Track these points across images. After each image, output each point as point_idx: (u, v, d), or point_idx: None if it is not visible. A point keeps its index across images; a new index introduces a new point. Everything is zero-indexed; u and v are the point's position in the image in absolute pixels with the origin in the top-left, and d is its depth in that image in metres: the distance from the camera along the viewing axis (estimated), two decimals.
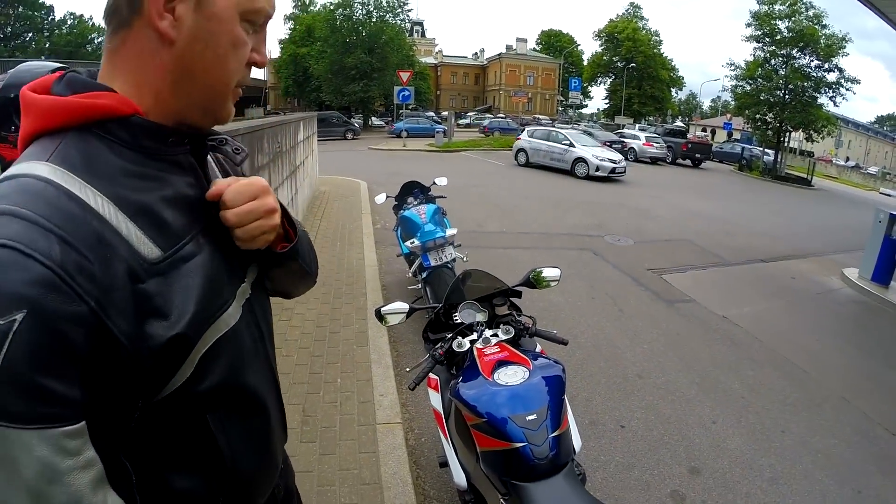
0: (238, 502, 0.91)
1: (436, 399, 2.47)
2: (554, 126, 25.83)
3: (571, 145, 19.33)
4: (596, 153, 18.81)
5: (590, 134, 26.09)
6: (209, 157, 0.96)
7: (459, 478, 2.18)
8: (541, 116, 55.31)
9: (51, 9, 60.85)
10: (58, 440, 0.60)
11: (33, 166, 0.68)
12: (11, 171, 0.69)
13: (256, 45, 0.84)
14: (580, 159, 18.70)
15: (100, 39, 63.72)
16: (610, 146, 24.64)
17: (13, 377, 0.58)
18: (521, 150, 21.41)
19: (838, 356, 5.76)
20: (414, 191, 6.23)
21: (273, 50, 56.94)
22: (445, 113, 43.22)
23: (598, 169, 18.12)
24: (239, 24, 0.79)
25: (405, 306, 2.48)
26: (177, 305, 0.73)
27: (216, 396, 0.82)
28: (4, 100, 1.75)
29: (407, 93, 27.28)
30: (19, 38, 57.66)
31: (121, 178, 0.73)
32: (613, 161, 18.59)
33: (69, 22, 62.89)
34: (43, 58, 47.04)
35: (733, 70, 31.47)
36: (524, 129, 23.84)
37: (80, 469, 0.62)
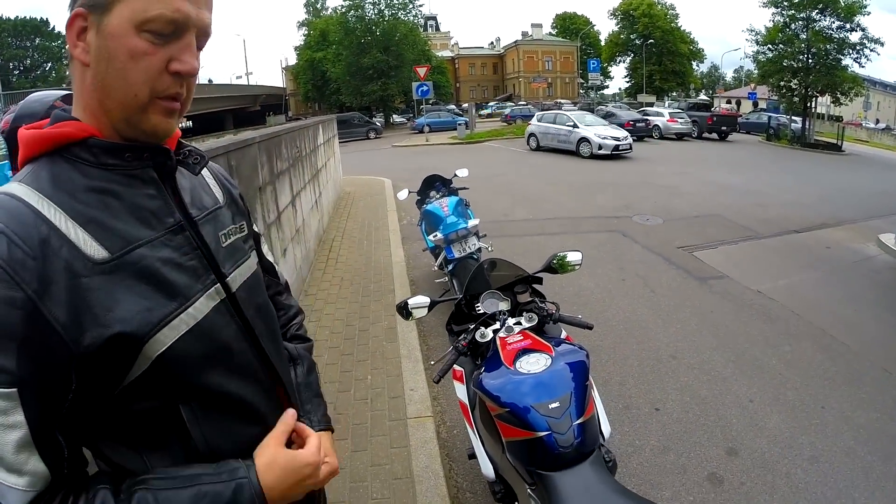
0: None
1: (461, 391, 2.45)
2: (561, 109, 26.29)
3: (575, 126, 19.79)
4: (598, 132, 19.07)
5: (612, 114, 26.04)
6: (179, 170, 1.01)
7: (487, 469, 2.16)
8: (562, 101, 54.70)
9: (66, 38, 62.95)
10: None
11: (10, 186, 0.82)
12: None
13: (176, 53, 0.86)
14: (583, 139, 19.14)
15: None
16: (634, 125, 24.72)
17: None
18: (531, 134, 22.22)
19: (878, 326, 5.54)
20: (436, 184, 6.22)
21: (289, 57, 57.55)
22: (466, 105, 43.19)
23: (600, 147, 18.46)
24: (137, 35, 0.83)
25: (426, 300, 2.47)
26: (121, 304, 0.81)
27: (184, 391, 0.89)
28: (17, 130, 1.78)
29: (425, 88, 27.30)
30: (39, 69, 59.47)
31: (79, 193, 0.83)
32: (616, 139, 18.74)
33: None
34: (64, 86, 48.47)
35: (754, 36, 30.58)
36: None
37: (5, 427, 0.71)
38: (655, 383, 4.24)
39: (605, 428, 2.06)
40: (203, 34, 0.90)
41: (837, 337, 5.13)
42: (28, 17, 60.73)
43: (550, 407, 1.77)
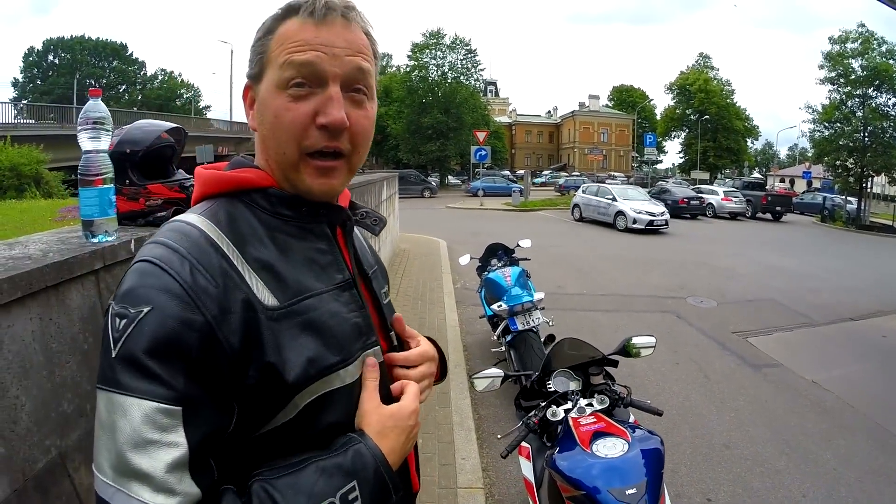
0: None
1: (527, 468, 2.51)
2: (604, 183, 26.98)
3: (614, 199, 20.73)
4: (635, 206, 19.82)
5: (667, 191, 26.20)
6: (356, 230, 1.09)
7: None
8: (616, 173, 55.09)
9: (143, 64, 66.70)
10: (151, 413, 0.71)
11: (189, 216, 0.87)
12: (175, 217, 0.89)
13: (321, 106, 0.88)
14: (620, 212, 19.97)
15: (188, 95, 69.11)
16: (689, 202, 24.91)
17: (129, 355, 0.72)
18: (576, 205, 23.40)
19: None
20: (498, 252, 6.35)
21: None
22: (521, 171, 43.64)
23: (635, 221, 19.19)
24: (281, 95, 0.88)
25: (500, 372, 2.57)
26: (285, 350, 0.82)
27: (320, 445, 0.87)
28: (120, 154, 1.90)
29: (484, 152, 27.81)
30: (113, 90, 63.15)
31: (254, 238, 0.87)
32: (652, 214, 19.43)
33: (160, 77, 68.85)
34: (135, 109, 50.75)
35: (810, 113, 30.63)
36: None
37: (164, 445, 0.71)
38: (707, 472, 4.20)
39: None
40: (353, 81, 0.91)
41: (894, 432, 5.01)
42: (109, 40, 65.17)
43: (627, 493, 1.83)
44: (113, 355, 0.73)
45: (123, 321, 0.74)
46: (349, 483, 0.81)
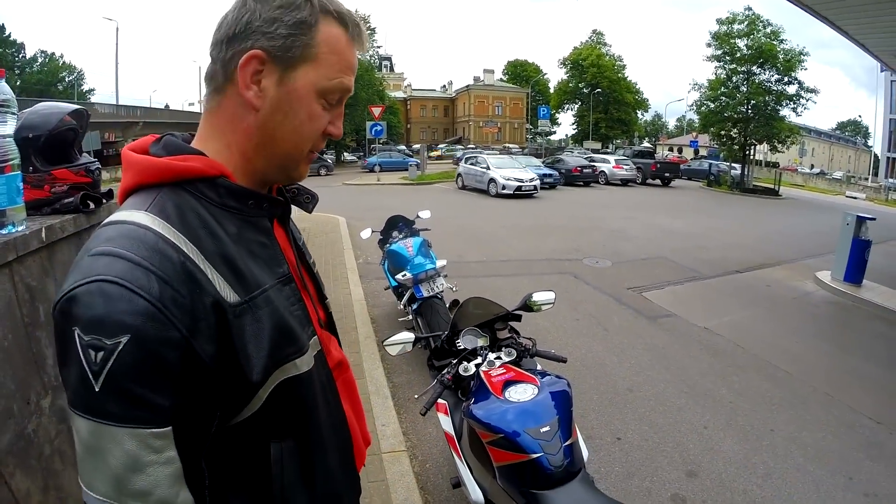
0: None
1: (446, 422, 2.57)
2: (482, 153, 28.62)
3: (488, 168, 22.35)
4: (505, 174, 21.52)
5: (560, 160, 27.43)
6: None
7: (476, 495, 2.27)
8: (511, 145, 56.09)
9: (21, 46, 60.66)
10: (145, 438, 0.71)
11: (134, 214, 0.80)
12: (115, 216, 0.82)
13: (334, 118, 0.96)
14: (492, 179, 21.59)
15: (70, 78, 63.69)
16: (582, 171, 26.20)
17: (114, 386, 0.70)
18: (459, 174, 25.10)
19: (818, 355, 6.02)
20: (399, 224, 6.34)
21: None
22: (417, 146, 43.66)
23: (504, 188, 20.89)
24: (316, 100, 0.92)
25: (410, 336, 2.60)
26: (248, 348, 0.83)
27: (280, 430, 0.91)
28: (21, 140, 1.80)
29: (379, 128, 27.50)
30: None
31: (207, 232, 0.84)
32: (520, 180, 21.12)
33: (39, 60, 62.75)
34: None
35: (697, 90, 32.74)
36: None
37: (161, 464, 0.73)
38: (615, 415, 4.46)
39: (585, 452, 2.23)
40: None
41: (781, 366, 5.55)
42: None
43: (541, 431, 1.93)
44: (97, 389, 0.70)
45: (101, 353, 0.70)
46: None
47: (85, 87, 66.08)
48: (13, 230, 1.62)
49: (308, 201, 1.13)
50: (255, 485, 0.90)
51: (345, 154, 48.73)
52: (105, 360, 0.70)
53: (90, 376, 0.70)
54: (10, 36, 58.72)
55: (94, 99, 59.81)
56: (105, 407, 0.70)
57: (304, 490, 0.96)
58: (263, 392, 0.86)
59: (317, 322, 1.05)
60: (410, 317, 5.52)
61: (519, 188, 20.83)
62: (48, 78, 61.06)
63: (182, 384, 0.75)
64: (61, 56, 63.97)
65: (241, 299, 0.84)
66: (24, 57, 61.48)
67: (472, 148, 47.44)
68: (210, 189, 0.88)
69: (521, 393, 2.11)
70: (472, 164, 24.22)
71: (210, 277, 0.81)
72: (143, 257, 0.75)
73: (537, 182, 21.75)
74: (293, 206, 1.12)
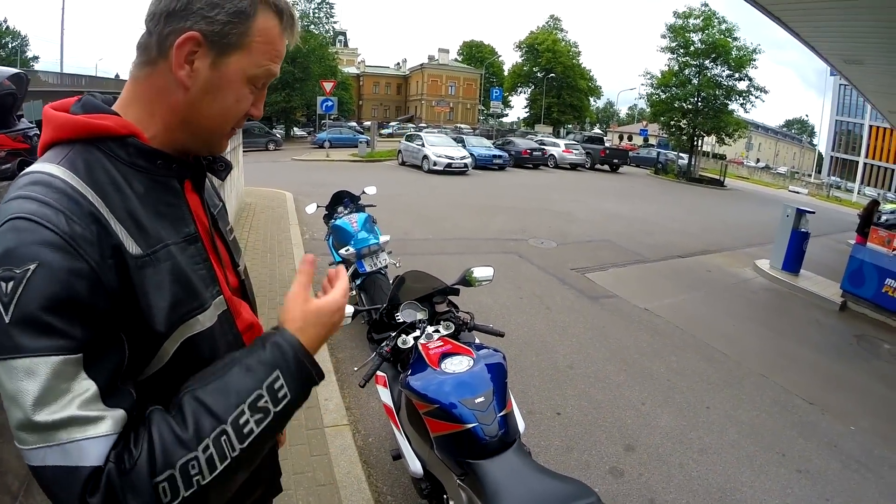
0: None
1: (385, 394, 2.58)
2: (422, 131, 29.80)
3: (423, 145, 23.29)
4: (437, 151, 22.46)
5: (510, 142, 27.75)
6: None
7: (415, 466, 2.30)
8: (462, 125, 55.96)
9: None
10: (58, 367, 0.72)
11: (47, 166, 0.83)
12: (30, 168, 0.85)
13: (256, 100, 1.00)
14: (425, 156, 22.57)
15: (14, 44, 60.19)
16: (532, 153, 26.56)
17: (24, 315, 0.71)
18: (399, 151, 25.92)
19: (754, 339, 6.30)
20: (344, 200, 6.26)
21: None
22: (368, 123, 43.16)
23: (435, 164, 21.84)
24: (245, 85, 0.96)
25: (350, 308, 2.58)
26: (150, 298, 0.86)
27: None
28: None
29: (330, 103, 27.04)
30: None
31: (114, 188, 0.87)
32: (451, 157, 22.15)
33: None
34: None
35: (649, 79, 33.36)
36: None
37: (75, 393, 0.74)
38: (555, 390, 4.56)
39: (521, 424, 2.26)
40: None
41: (718, 348, 5.78)
42: None
43: (476, 401, 1.96)
44: (7, 321, 0.71)
45: (10, 283, 0.72)
46: (272, 373, 0.87)
47: (29, 55, 62.60)
48: None
49: (222, 169, 1.14)
50: None
51: (294, 129, 47.77)
52: (14, 289, 0.71)
53: (1, 309, 0.71)
54: None
55: (38, 67, 56.82)
56: (17, 340, 0.71)
57: None
58: (170, 346, 0.89)
59: (225, 284, 1.07)
60: (354, 292, 5.49)
61: (449, 165, 21.85)
62: None
63: (91, 315, 0.76)
64: (4, 21, 60.27)
65: (143, 252, 0.86)
66: None
67: (424, 126, 47.22)
68: (120, 148, 0.90)
69: (457, 365, 2.13)
70: (410, 141, 25.24)
71: (114, 228, 0.83)
72: (52, 199, 0.78)
73: (469, 160, 22.75)
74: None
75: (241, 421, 0.82)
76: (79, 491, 0.72)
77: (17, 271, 0.72)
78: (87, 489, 0.72)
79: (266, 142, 34.15)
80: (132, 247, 0.84)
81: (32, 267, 0.72)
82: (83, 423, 0.74)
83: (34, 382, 0.71)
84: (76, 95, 0.95)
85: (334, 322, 1.02)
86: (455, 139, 27.16)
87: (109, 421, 0.76)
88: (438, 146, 23.33)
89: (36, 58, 63.34)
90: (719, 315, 7.06)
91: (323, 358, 4.57)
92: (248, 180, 13.92)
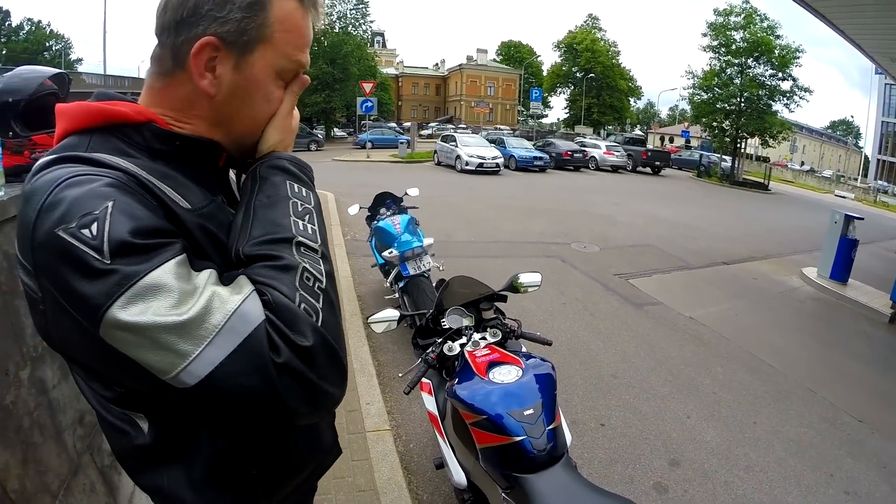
0: (271, 478, 0.98)
1: (430, 402, 2.54)
2: (457, 132, 30.62)
3: (456, 146, 23.69)
4: (469, 152, 22.88)
5: (550, 143, 27.54)
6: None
7: (459, 476, 2.25)
8: (501, 127, 55.82)
9: (7, 14, 59.47)
10: (177, 267, 0.72)
11: (67, 153, 0.79)
12: (54, 156, 0.79)
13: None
14: (458, 156, 23.06)
15: (58, 47, 62.30)
16: (572, 155, 26.91)
17: (121, 245, 0.68)
18: (435, 151, 26.44)
19: (802, 350, 6.07)
20: (386, 202, 6.28)
21: None
22: (407, 124, 43.40)
23: (467, 164, 22.32)
24: (273, 81, 0.91)
25: (395, 313, 2.56)
26: (206, 248, 0.85)
27: None
28: (1, 105, 1.79)
29: (370, 104, 27.31)
30: None
31: (141, 164, 0.82)
32: (482, 157, 22.52)
33: (26, 28, 61.48)
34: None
35: (691, 79, 32.63)
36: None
37: (201, 280, 0.74)
38: (599, 400, 4.47)
39: (568, 437, 2.20)
40: None
41: (764, 359, 5.58)
42: None
43: (525, 414, 1.90)
44: (108, 263, 0.68)
45: (94, 224, 0.68)
46: (285, 184, 0.91)
47: (73, 57, 64.81)
48: None
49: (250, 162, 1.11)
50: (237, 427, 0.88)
51: (335, 130, 48.33)
52: (101, 226, 0.68)
53: (94, 256, 0.67)
54: None
55: (81, 69, 58.60)
56: (123, 271, 0.68)
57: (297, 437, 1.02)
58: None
59: None
60: (397, 295, 5.49)
61: (481, 164, 22.19)
62: (35, 46, 59.85)
63: (171, 233, 0.76)
64: (48, 24, 62.58)
65: (194, 207, 0.85)
66: (10, 25, 60.29)
67: (464, 128, 47.24)
68: (136, 134, 0.86)
69: (506, 374, 2.07)
70: (445, 141, 25.58)
71: (159, 186, 0.81)
72: (88, 167, 0.75)
73: (500, 160, 23.03)
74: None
75: (301, 227, 0.85)
76: (268, 355, 0.71)
77: (97, 212, 0.68)
78: (271, 348, 0.72)
79: (308, 142, 34.65)
80: (181, 201, 0.83)
81: (109, 204, 0.70)
82: (228, 295, 0.74)
83: (162, 294, 0.69)
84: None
85: (290, 125, 1.01)
86: (494, 140, 27.23)
87: (242, 279, 0.77)
88: (471, 146, 23.69)
89: (80, 60, 65.61)
90: (766, 325, 6.84)
91: (365, 361, 4.58)
92: None
